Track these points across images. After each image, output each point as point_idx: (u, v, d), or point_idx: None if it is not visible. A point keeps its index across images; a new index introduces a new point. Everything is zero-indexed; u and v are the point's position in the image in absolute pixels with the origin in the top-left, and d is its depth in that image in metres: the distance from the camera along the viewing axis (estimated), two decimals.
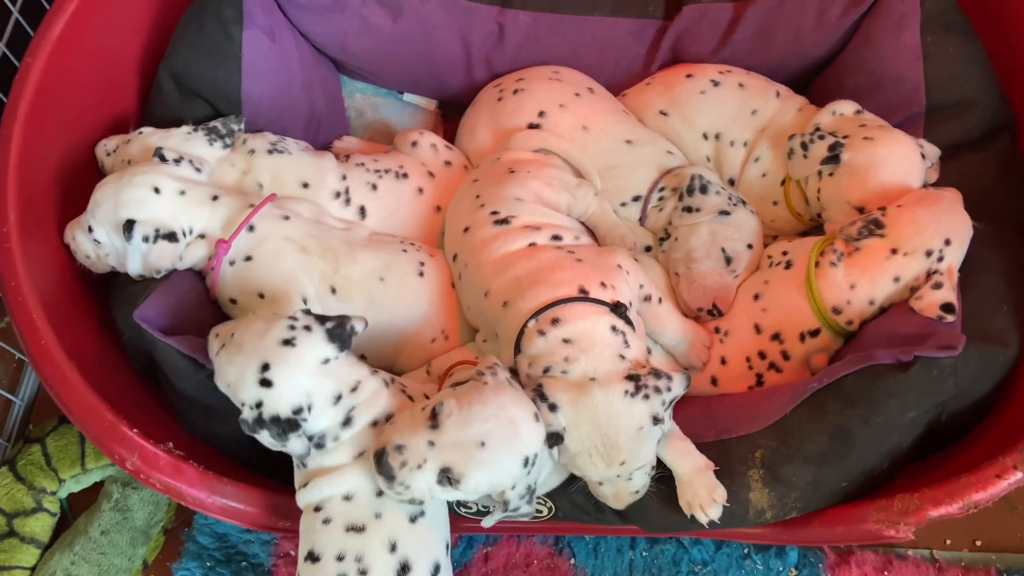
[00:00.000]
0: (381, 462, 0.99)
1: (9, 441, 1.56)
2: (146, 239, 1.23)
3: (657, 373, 1.09)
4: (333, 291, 1.30)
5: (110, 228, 1.25)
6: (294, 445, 1.03)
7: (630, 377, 1.08)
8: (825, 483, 1.16)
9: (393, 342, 1.35)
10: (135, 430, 1.15)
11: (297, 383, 1.03)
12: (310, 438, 1.05)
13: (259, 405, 1.03)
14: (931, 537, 1.43)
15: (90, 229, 1.27)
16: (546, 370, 1.10)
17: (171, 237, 1.25)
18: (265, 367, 1.02)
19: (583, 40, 1.57)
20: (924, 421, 1.15)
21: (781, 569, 1.39)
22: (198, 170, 1.32)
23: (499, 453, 0.99)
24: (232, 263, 1.28)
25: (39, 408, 1.62)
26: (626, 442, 1.06)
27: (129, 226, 1.23)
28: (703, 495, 1.11)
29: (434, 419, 1.00)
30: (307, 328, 1.05)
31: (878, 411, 1.13)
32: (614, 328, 1.12)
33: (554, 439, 1.05)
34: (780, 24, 1.52)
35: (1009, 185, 1.41)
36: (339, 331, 1.06)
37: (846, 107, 1.41)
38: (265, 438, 1.04)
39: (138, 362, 1.32)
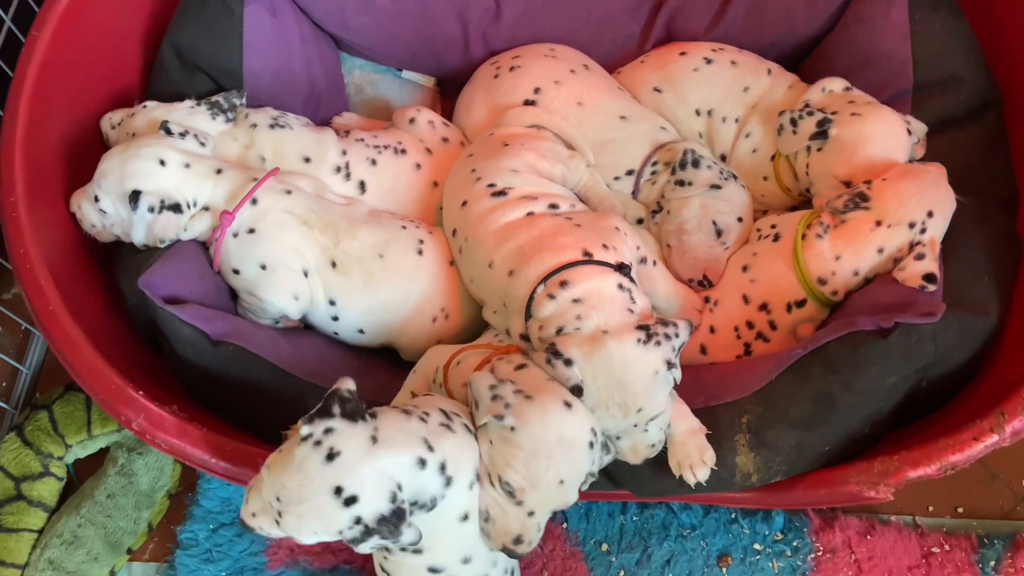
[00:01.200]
0: (514, 555, 1.06)
1: (16, 408, 1.60)
2: (151, 209, 1.27)
3: (664, 322, 1.12)
4: (333, 265, 1.33)
5: (116, 198, 1.29)
6: (409, 535, 0.97)
7: (640, 327, 1.11)
8: (808, 447, 1.19)
9: (393, 321, 1.38)
10: (141, 392, 1.18)
11: (372, 477, 0.95)
12: (422, 506, 0.99)
13: (358, 521, 0.95)
14: (914, 504, 1.47)
15: (96, 199, 1.30)
16: (559, 330, 1.13)
17: (176, 208, 1.29)
18: (338, 490, 0.94)
19: (579, 18, 1.60)
20: (904, 387, 1.18)
21: (767, 533, 1.43)
22: (202, 144, 1.35)
23: (573, 472, 1.05)
24: (235, 235, 1.31)
25: (45, 377, 1.65)
26: (642, 388, 1.09)
27: (135, 197, 1.26)
28: (694, 456, 1.15)
29: (513, 496, 1.04)
30: (328, 432, 0.95)
31: (859, 377, 1.16)
32: (620, 286, 1.16)
33: (575, 392, 1.08)
34: (772, 3, 1.55)
35: (994, 161, 1.44)
36: (352, 407, 0.97)
37: (835, 84, 1.44)
38: (376, 542, 0.97)
39: (142, 329, 1.36)
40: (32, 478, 1.47)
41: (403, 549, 1.04)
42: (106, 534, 1.44)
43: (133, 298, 1.29)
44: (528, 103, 1.50)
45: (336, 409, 0.96)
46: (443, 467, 1.00)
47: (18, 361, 1.63)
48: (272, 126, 1.44)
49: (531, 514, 1.05)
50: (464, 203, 1.34)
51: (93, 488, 1.46)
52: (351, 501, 0.94)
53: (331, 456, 0.94)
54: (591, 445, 1.06)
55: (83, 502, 1.45)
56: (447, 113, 1.66)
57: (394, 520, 0.95)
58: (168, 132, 1.32)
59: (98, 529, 1.44)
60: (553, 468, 1.03)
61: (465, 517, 1.06)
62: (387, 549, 1.06)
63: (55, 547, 1.42)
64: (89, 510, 1.44)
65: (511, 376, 1.09)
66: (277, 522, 0.97)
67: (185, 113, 1.40)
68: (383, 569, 1.13)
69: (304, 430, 0.96)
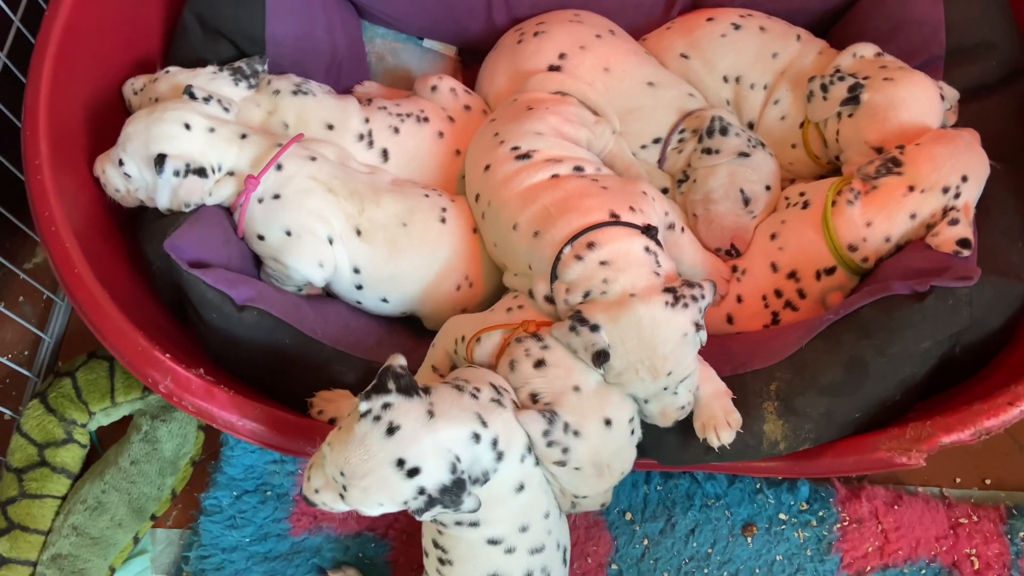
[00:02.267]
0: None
1: (39, 376, 1.60)
2: (176, 173, 1.26)
3: (690, 284, 1.11)
4: (358, 232, 1.33)
5: (141, 162, 1.28)
6: (470, 503, 0.99)
7: (667, 289, 1.10)
8: (838, 414, 1.18)
9: (417, 288, 1.37)
10: (167, 355, 1.18)
11: (432, 449, 0.97)
12: (475, 481, 1.01)
13: (422, 491, 0.97)
14: (941, 475, 1.46)
15: (120, 163, 1.29)
16: (586, 294, 1.13)
17: (201, 172, 1.28)
18: (400, 463, 0.96)
19: None
20: (938, 353, 1.17)
21: (792, 503, 1.42)
22: (226, 109, 1.34)
23: (626, 464, 1.14)
24: (260, 200, 1.31)
25: (67, 345, 1.66)
26: (672, 351, 1.08)
27: (160, 160, 1.25)
28: (719, 417, 1.14)
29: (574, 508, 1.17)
30: (386, 407, 0.97)
31: (893, 342, 1.15)
32: (647, 249, 1.15)
33: (601, 357, 1.08)
34: None
35: None
36: (406, 382, 0.99)
37: (866, 50, 1.42)
38: (439, 511, 0.99)
39: (166, 294, 1.35)
40: (55, 444, 1.47)
41: (459, 524, 1.07)
42: (130, 500, 1.44)
43: (158, 262, 1.29)
44: (553, 68, 1.48)
45: (392, 384, 0.98)
46: (495, 442, 1.02)
47: (40, 329, 1.63)
48: (295, 92, 1.43)
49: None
50: (487, 167, 1.33)
51: (117, 455, 1.47)
52: (414, 472, 0.96)
53: (391, 430, 0.96)
54: (632, 432, 1.13)
55: (107, 468, 1.46)
56: (468, 82, 1.64)
57: (455, 490, 0.97)
58: (192, 96, 1.31)
59: (122, 495, 1.44)
60: (608, 475, 1.12)
61: (520, 488, 1.07)
62: (442, 524, 1.09)
63: (79, 513, 1.43)
64: (113, 476, 1.44)
65: (533, 381, 1.10)
66: (342, 496, 0.98)
67: (208, 78, 1.39)
68: (436, 544, 1.13)
69: (363, 406, 0.97)
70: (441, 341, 1.26)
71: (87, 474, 1.48)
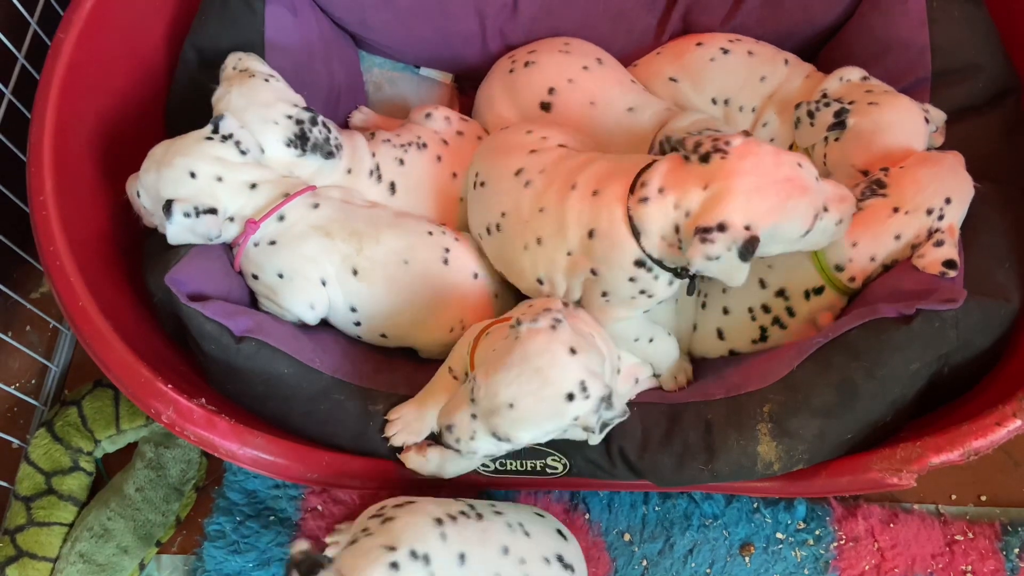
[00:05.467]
0: (442, 442, 1.12)
1: (46, 405, 1.63)
2: (187, 215, 1.26)
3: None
4: (355, 272, 1.34)
5: (153, 200, 1.30)
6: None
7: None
8: (831, 435, 1.20)
9: (413, 326, 1.38)
10: (169, 385, 1.20)
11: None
12: None
13: None
14: (936, 492, 1.47)
15: (138, 194, 1.32)
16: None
17: (212, 211, 1.28)
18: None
19: (595, 11, 1.61)
20: (927, 373, 1.19)
21: (790, 522, 1.43)
22: (243, 152, 1.31)
23: (531, 407, 1.05)
24: (256, 244, 1.32)
25: (73, 373, 1.68)
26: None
27: (168, 206, 1.26)
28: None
29: (472, 394, 1.08)
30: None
31: (882, 364, 1.16)
32: None
33: (749, 247, 1.08)
34: None
35: (1014, 149, 1.43)
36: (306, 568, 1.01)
37: (853, 73, 1.44)
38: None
39: (168, 325, 1.38)
40: (62, 472, 1.50)
41: None
42: (136, 527, 1.46)
43: (159, 294, 1.31)
44: (544, 105, 1.51)
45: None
46: None
47: (47, 358, 1.66)
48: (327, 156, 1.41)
49: (474, 417, 1.09)
50: (503, 214, 1.33)
51: (122, 482, 1.49)
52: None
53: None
54: (570, 396, 1.06)
55: (112, 496, 1.48)
56: (465, 109, 1.67)
57: None
58: (215, 130, 1.30)
59: (128, 522, 1.46)
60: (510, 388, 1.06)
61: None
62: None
63: (86, 540, 1.44)
64: (119, 503, 1.46)
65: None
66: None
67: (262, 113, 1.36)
68: None
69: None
70: (460, 344, 1.29)
71: (93, 502, 1.50)
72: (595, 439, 1.11)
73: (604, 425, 1.09)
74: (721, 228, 1.08)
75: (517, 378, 1.05)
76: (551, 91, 1.51)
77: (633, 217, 1.16)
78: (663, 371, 1.36)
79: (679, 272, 1.20)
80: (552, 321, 1.08)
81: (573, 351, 1.07)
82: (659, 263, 1.18)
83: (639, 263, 1.18)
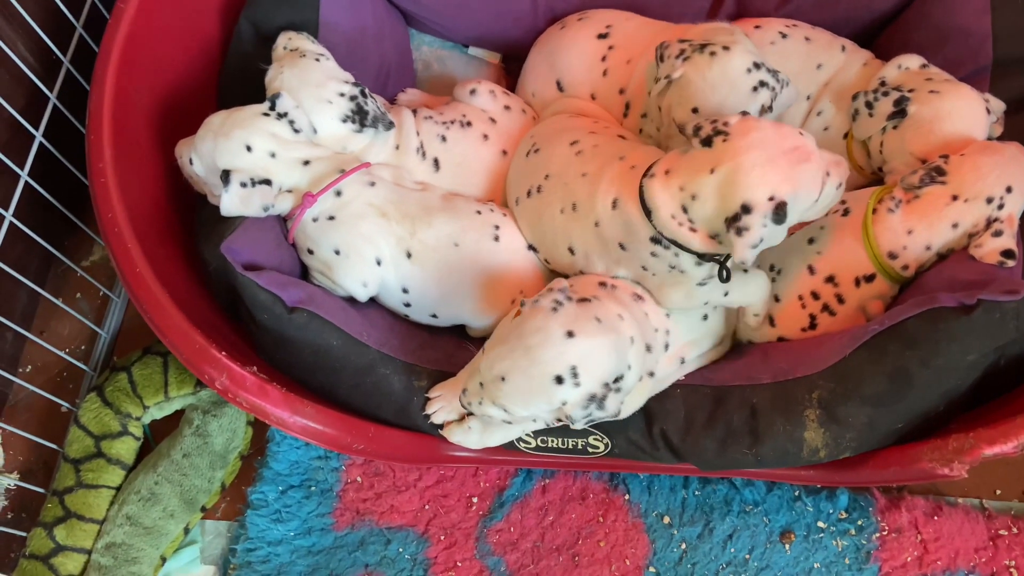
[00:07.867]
0: (462, 404, 1.18)
1: (95, 370, 1.66)
2: (243, 185, 1.28)
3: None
4: (408, 255, 1.35)
5: (209, 169, 1.32)
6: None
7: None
8: (881, 424, 1.19)
9: (469, 306, 1.39)
10: (223, 352, 1.22)
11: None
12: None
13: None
14: (981, 486, 1.45)
15: (191, 161, 1.33)
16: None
17: (267, 182, 1.30)
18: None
19: None
20: (983, 364, 1.17)
21: (831, 512, 1.43)
22: (296, 131, 1.33)
23: (520, 383, 1.09)
24: (315, 219, 1.33)
25: (122, 341, 1.71)
26: None
27: (226, 175, 1.28)
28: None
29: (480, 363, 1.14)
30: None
31: (938, 353, 1.15)
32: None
33: (780, 211, 1.08)
34: None
35: None
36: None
37: (912, 61, 1.42)
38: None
39: (220, 295, 1.40)
40: (111, 436, 1.52)
41: None
42: (182, 491, 1.49)
43: (214, 263, 1.33)
44: (601, 36, 1.52)
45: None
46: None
47: (97, 325, 1.69)
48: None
49: (481, 385, 1.14)
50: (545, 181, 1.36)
51: (170, 448, 1.52)
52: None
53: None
54: (559, 379, 1.08)
55: (160, 461, 1.50)
56: (512, 89, 1.66)
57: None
58: (272, 107, 1.31)
59: (174, 487, 1.49)
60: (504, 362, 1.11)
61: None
62: None
63: (133, 503, 1.48)
64: (166, 468, 1.49)
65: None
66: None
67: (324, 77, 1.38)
68: None
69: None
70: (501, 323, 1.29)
71: (141, 466, 1.53)
72: (579, 424, 1.13)
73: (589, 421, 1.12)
74: (746, 209, 1.08)
75: (510, 353, 1.09)
76: (608, 27, 1.53)
77: (644, 193, 1.18)
78: (760, 310, 1.35)
79: (703, 257, 1.19)
80: (553, 302, 1.10)
81: (571, 334, 1.08)
82: (673, 242, 1.18)
83: (654, 240, 1.20)
